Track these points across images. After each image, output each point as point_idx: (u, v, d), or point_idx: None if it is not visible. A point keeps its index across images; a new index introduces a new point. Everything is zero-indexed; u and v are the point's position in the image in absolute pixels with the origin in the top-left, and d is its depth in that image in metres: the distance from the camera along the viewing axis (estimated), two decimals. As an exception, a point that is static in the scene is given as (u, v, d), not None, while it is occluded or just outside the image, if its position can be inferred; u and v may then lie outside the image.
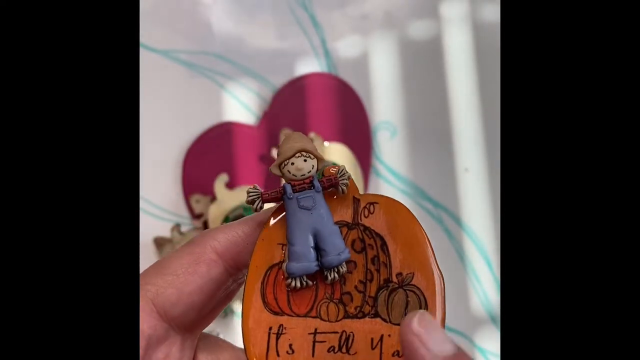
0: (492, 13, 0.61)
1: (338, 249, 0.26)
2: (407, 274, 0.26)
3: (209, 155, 0.57)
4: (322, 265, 0.26)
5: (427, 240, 0.26)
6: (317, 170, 0.27)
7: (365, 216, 0.27)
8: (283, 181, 0.27)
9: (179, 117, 0.58)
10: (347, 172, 0.27)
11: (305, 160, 0.26)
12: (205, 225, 0.55)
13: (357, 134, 0.58)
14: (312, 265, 0.26)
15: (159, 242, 0.55)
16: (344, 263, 0.26)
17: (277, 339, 0.26)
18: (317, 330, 0.26)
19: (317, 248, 0.26)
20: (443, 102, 0.59)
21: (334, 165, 0.27)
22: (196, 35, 0.60)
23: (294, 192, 0.26)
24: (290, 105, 0.58)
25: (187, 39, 0.59)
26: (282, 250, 0.26)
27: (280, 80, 0.59)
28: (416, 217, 0.27)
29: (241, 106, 0.59)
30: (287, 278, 0.26)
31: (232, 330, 0.54)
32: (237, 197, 0.55)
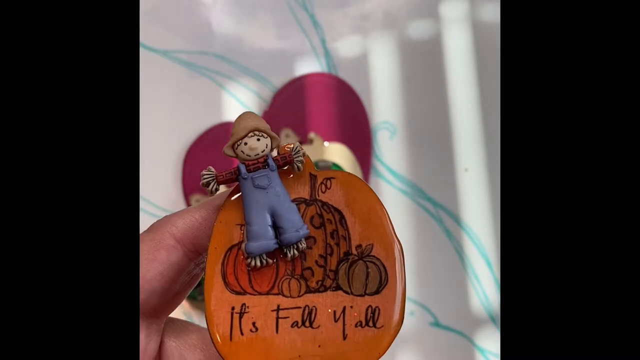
0: (492, 13, 0.61)
1: (296, 225, 0.26)
2: (367, 245, 0.26)
3: (209, 155, 0.57)
4: (282, 243, 0.26)
5: (384, 211, 0.27)
6: (272, 148, 0.26)
7: (322, 192, 0.27)
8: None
9: (179, 117, 0.58)
10: (302, 149, 0.27)
11: (258, 140, 0.26)
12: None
13: (357, 134, 0.58)
14: (270, 243, 0.26)
15: (159, 242, 0.55)
16: (303, 239, 0.26)
17: (240, 318, 0.26)
18: (280, 307, 0.26)
19: (275, 226, 0.26)
20: (443, 102, 0.59)
21: (288, 144, 0.27)
22: (196, 35, 0.60)
23: (248, 172, 0.26)
24: (290, 105, 0.58)
25: (187, 39, 0.59)
26: (241, 230, 0.26)
27: (280, 80, 0.59)
28: (373, 189, 0.27)
29: (241, 106, 0.59)
30: (247, 257, 0.26)
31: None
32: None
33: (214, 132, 0.58)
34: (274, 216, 0.26)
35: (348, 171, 0.28)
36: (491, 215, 0.58)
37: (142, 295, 0.26)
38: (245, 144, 0.26)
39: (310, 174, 0.27)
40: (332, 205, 0.27)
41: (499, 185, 0.56)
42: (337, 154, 0.57)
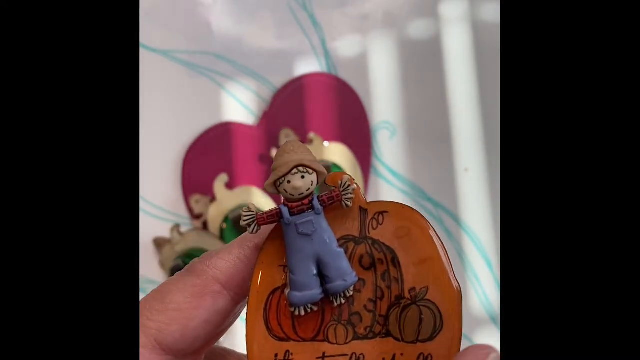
0: (492, 12, 0.61)
1: (343, 274, 0.24)
2: (421, 288, 0.24)
3: (209, 156, 0.57)
4: (328, 292, 0.24)
5: (443, 248, 0.25)
6: (318, 183, 0.24)
7: (373, 228, 0.25)
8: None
9: (179, 117, 0.58)
10: (352, 185, 0.24)
11: (303, 177, 0.23)
12: (205, 226, 0.55)
13: (357, 134, 0.58)
14: (316, 294, 0.24)
15: (159, 243, 0.55)
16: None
17: None
18: (326, 354, 0.24)
19: (321, 274, 0.24)
20: (443, 102, 0.59)
21: (338, 172, 0.25)
22: (196, 35, 0.60)
23: (291, 216, 0.24)
24: (290, 105, 0.58)
25: (187, 39, 0.59)
26: (284, 272, 0.25)
27: (280, 80, 0.59)
28: (429, 222, 0.25)
29: (241, 106, 0.59)
30: (291, 306, 0.24)
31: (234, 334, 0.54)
32: (236, 198, 0.55)
33: (214, 132, 0.57)
34: (319, 264, 0.24)
35: (402, 203, 0.25)
36: (491, 215, 0.57)
37: (186, 343, 0.25)
38: (289, 182, 0.23)
39: (361, 207, 0.25)
40: (384, 244, 0.25)
41: (499, 185, 0.56)
42: (337, 154, 0.57)
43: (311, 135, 0.57)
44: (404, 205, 0.25)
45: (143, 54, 0.58)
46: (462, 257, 0.56)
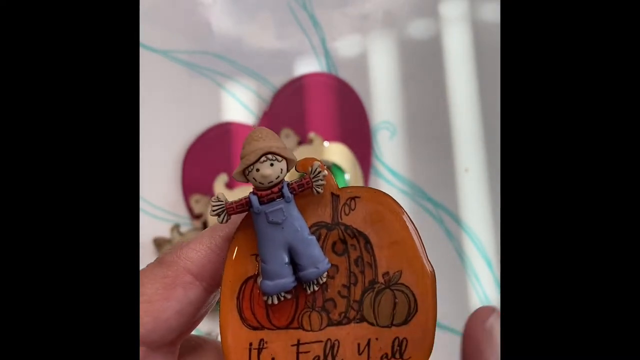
0: (492, 12, 0.61)
1: (315, 261, 0.24)
2: (394, 272, 0.24)
3: (209, 155, 0.57)
4: (300, 280, 0.24)
5: (415, 232, 0.25)
6: (288, 170, 0.24)
7: (345, 214, 0.25)
8: None
9: (179, 117, 0.58)
10: (322, 171, 0.24)
11: (272, 165, 0.23)
12: (205, 226, 0.55)
13: (357, 134, 0.58)
14: (288, 282, 0.24)
15: (159, 243, 0.55)
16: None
17: (259, 354, 0.24)
18: (300, 341, 0.24)
19: (293, 262, 0.24)
20: (443, 101, 0.59)
21: (308, 158, 0.24)
22: (196, 35, 0.60)
23: (261, 205, 0.23)
24: (289, 105, 0.58)
25: (187, 39, 0.59)
26: (256, 261, 0.25)
27: (279, 80, 0.59)
28: (403, 207, 0.25)
29: (241, 106, 0.59)
30: (264, 295, 0.24)
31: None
32: (236, 197, 0.55)
33: (214, 132, 0.57)
34: (290, 252, 0.24)
35: (374, 188, 0.25)
36: (491, 215, 0.57)
37: (158, 334, 0.25)
38: (257, 170, 0.23)
39: (332, 194, 0.25)
40: (356, 229, 0.25)
41: (499, 185, 0.56)
42: (337, 154, 0.57)
43: (311, 135, 0.57)
44: (376, 190, 0.25)
45: (143, 54, 0.58)
46: (462, 257, 0.56)
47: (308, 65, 0.60)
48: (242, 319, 0.25)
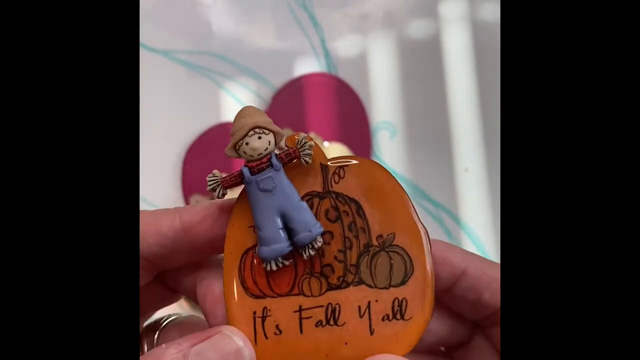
0: (492, 12, 0.61)
1: (308, 225, 0.25)
2: (388, 235, 0.25)
3: (209, 155, 0.57)
4: (295, 245, 0.25)
5: (405, 195, 0.25)
6: (276, 144, 0.25)
7: (335, 182, 0.26)
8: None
9: (179, 117, 0.58)
10: (309, 142, 0.25)
11: (260, 138, 0.24)
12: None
13: (357, 134, 0.58)
14: (283, 247, 0.25)
15: (159, 242, 0.55)
16: (318, 237, 0.25)
17: (263, 322, 0.25)
18: (302, 307, 0.25)
19: (287, 228, 0.25)
20: (443, 101, 0.59)
21: (296, 132, 0.26)
22: (196, 35, 0.60)
23: (252, 175, 0.25)
24: (289, 105, 0.58)
25: (187, 39, 0.59)
26: (254, 232, 0.25)
27: (279, 80, 0.59)
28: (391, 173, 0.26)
29: (241, 106, 0.59)
30: (262, 262, 0.25)
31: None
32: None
33: (214, 132, 0.57)
34: (284, 218, 0.25)
35: (362, 157, 0.26)
36: (491, 215, 0.57)
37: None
38: (247, 143, 0.25)
39: (321, 164, 0.26)
40: (347, 196, 0.25)
41: (499, 185, 0.56)
42: (336, 154, 0.57)
43: (311, 135, 0.57)
44: (364, 158, 0.26)
45: (143, 54, 0.58)
46: (462, 257, 0.56)
47: (308, 66, 0.60)
48: (245, 288, 0.26)
